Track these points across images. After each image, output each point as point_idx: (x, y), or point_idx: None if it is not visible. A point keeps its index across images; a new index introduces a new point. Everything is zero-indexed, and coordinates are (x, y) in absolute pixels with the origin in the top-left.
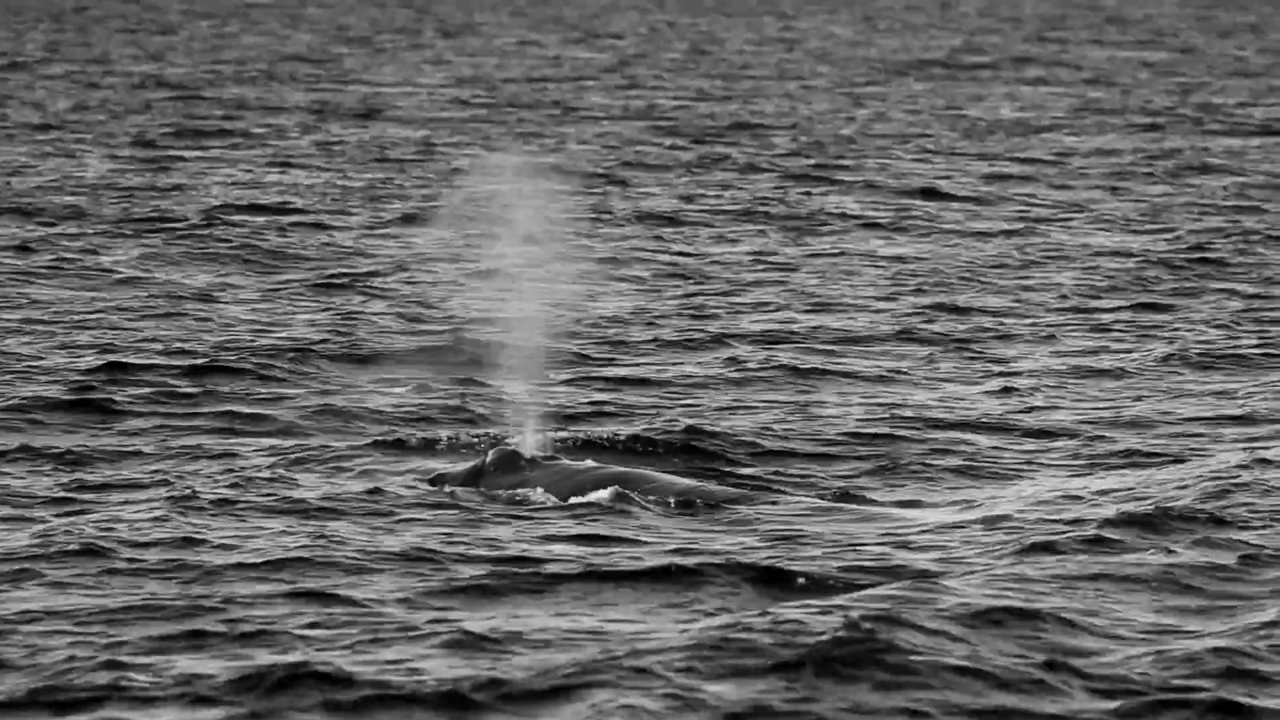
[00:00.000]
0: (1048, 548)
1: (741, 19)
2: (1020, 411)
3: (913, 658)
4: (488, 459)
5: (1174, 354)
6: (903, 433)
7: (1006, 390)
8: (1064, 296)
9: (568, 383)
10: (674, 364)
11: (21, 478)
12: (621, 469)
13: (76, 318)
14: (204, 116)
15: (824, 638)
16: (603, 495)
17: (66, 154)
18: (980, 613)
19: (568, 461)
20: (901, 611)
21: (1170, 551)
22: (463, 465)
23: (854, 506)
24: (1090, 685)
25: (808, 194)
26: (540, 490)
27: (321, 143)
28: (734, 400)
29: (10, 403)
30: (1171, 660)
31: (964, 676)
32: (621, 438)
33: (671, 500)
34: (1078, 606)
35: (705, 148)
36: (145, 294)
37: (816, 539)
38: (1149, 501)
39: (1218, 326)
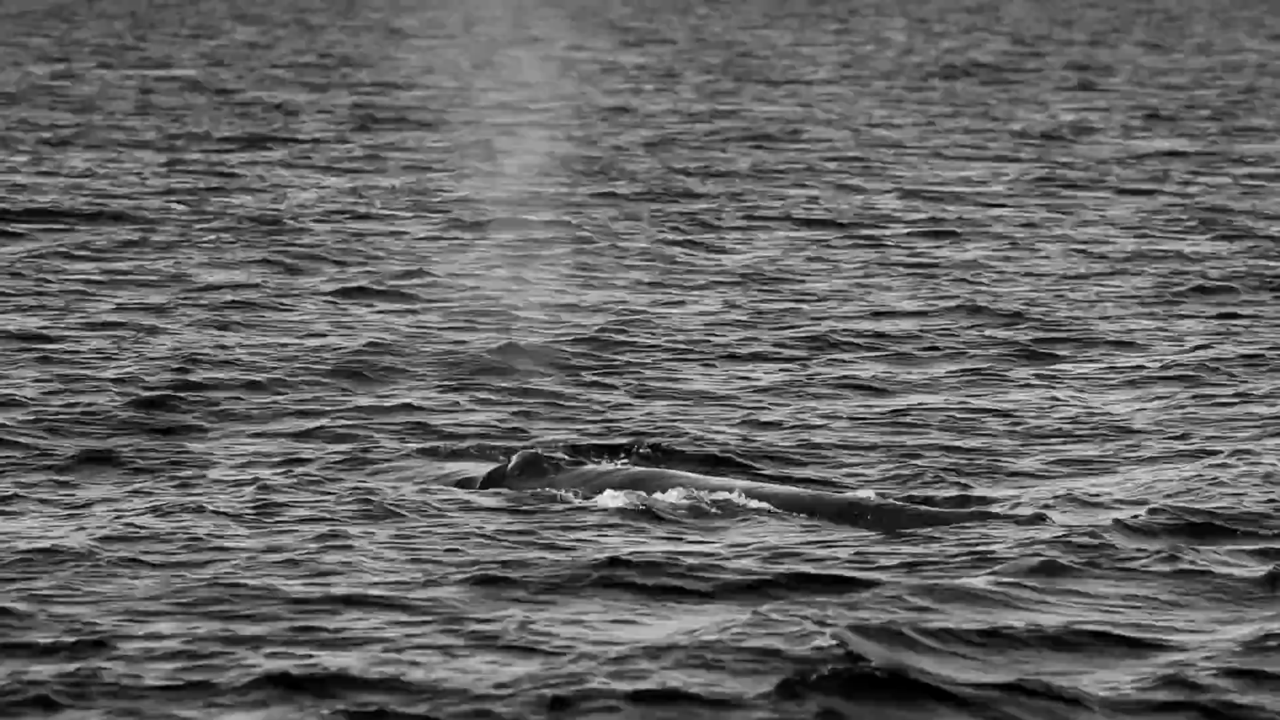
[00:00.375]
0: (1102, 551)
1: (794, 19)
2: (1082, 416)
3: (947, 662)
4: (511, 462)
5: (1237, 359)
6: (953, 439)
7: (1068, 395)
8: (1124, 303)
9: (610, 387)
10: (723, 369)
11: (91, 482)
12: (646, 469)
13: (143, 323)
14: (260, 119)
15: (842, 641)
16: (628, 496)
17: (125, 159)
18: (1017, 620)
19: (591, 464)
20: (932, 615)
21: (1220, 560)
22: (486, 468)
23: (892, 508)
24: (1111, 695)
25: (862, 198)
26: (564, 492)
27: (376, 146)
28: (781, 403)
29: (80, 408)
30: (1205, 668)
31: (993, 688)
32: (658, 443)
33: (697, 500)
34: (1113, 615)
35: (759, 153)
36: (207, 299)
37: (849, 541)
38: (1201, 508)
39: None
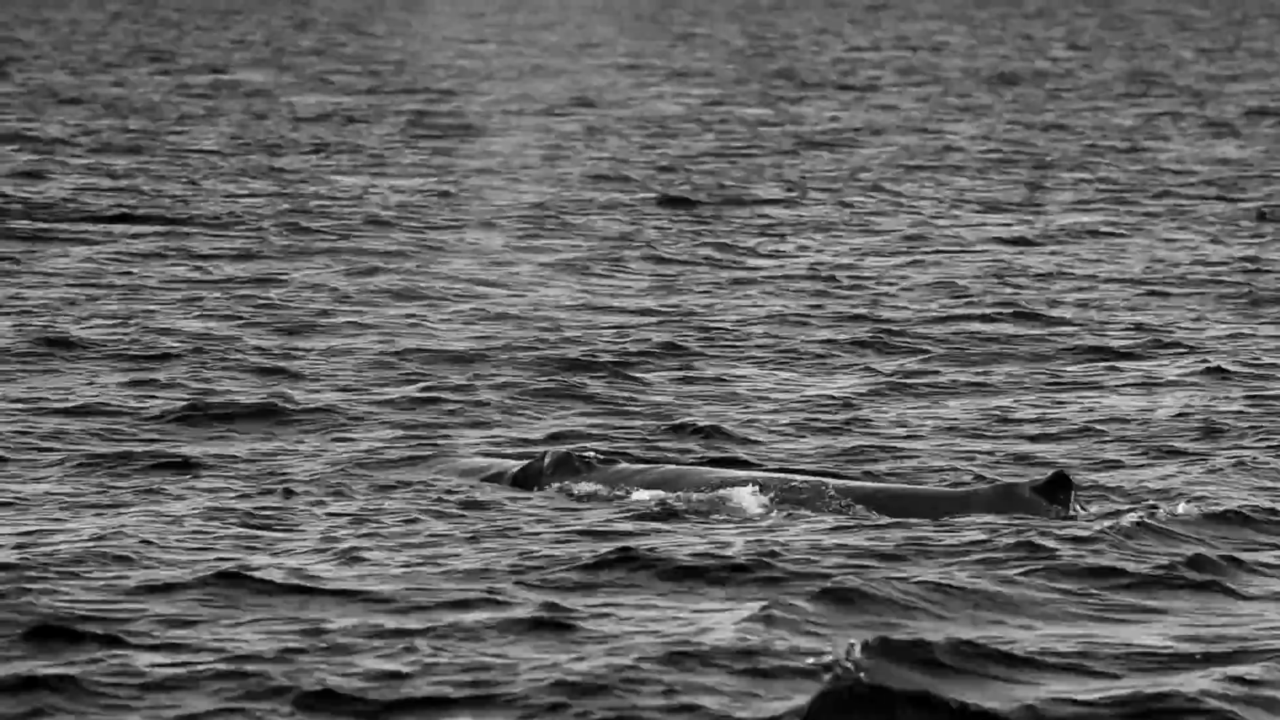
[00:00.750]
0: (1145, 555)
1: (854, 26)
2: (1152, 419)
3: (962, 675)
4: (545, 460)
5: None
6: (1003, 444)
7: (1138, 398)
8: (1193, 308)
9: (665, 389)
10: (786, 371)
11: (153, 483)
12: (679, 468)
13: (203, 328)
14: (322, 125)
15: (863, 656)
16: (659, 495)
17: (190, 164)
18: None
19: (625, 464)
20: (954, 623)
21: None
22: (518, 466)
23: (922, 496)
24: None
25: (928, 204)
26: (595, 490)
27: (438, 152)
28: (837, 404)
29: (143, 410)
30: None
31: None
32: (704, 443)
33: (729, 498)
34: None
35: (823, 157)
36: (267, 299)
37: (883, 536)
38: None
39: None
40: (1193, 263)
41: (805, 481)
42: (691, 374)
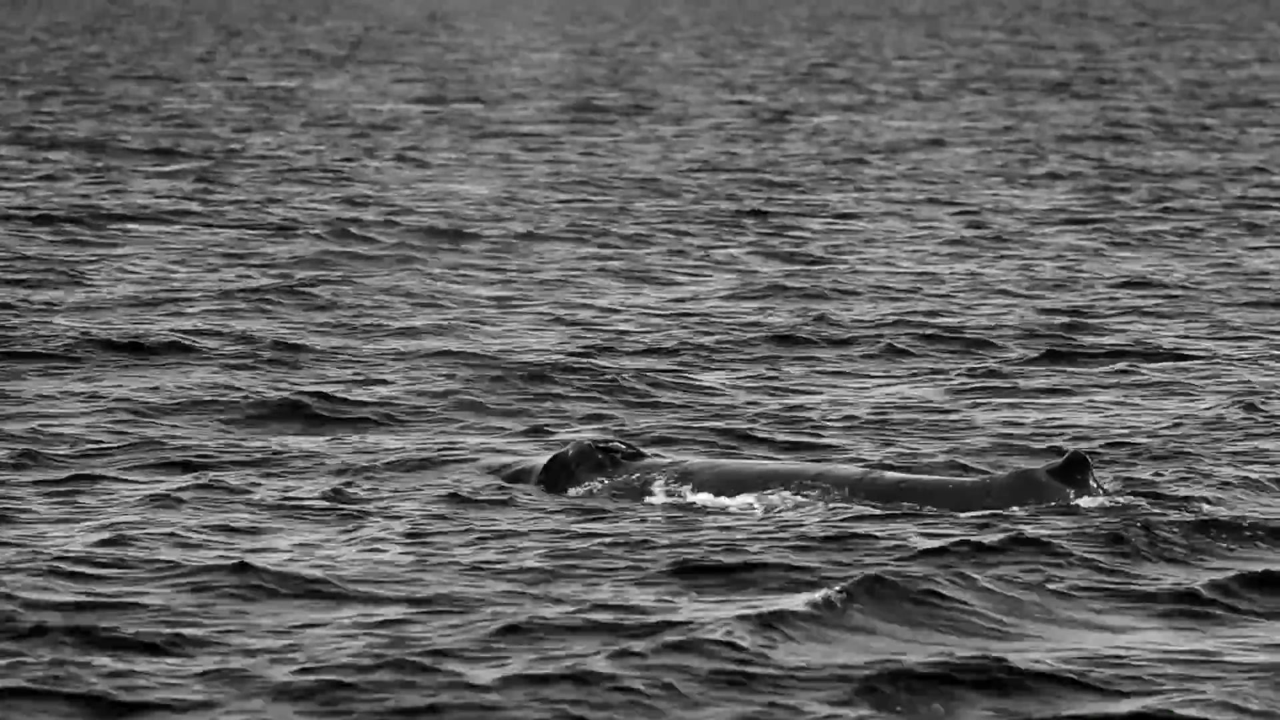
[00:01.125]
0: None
1: (893, 28)
2: (1231, 423)
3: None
4: (569, 453)
5: None
6: (1052, 444)
7: (1205, 407)
8: (1256, 317)
9: (720, 392)
10: (838, 374)
11: (184, 480)
12: (708, 461)
13: (290, 332)
14: (368, 131)
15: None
16: (682, 489)
17: (263, 174)
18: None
19: (651, 457)
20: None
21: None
22: (539, 460)
23: (964, 489)
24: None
25: (989, 215)
26: (624, 483)
27: (491, 156)
28: (889, 406)
29: (237, 412)
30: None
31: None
32: (739, 437)
33: (757, 490)
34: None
35: (879, 167)
36: (349, 306)
37: (911, 532)
38: None
39: None
40: (1263, 271)
41: (826, 474)
42: (756, 378)
